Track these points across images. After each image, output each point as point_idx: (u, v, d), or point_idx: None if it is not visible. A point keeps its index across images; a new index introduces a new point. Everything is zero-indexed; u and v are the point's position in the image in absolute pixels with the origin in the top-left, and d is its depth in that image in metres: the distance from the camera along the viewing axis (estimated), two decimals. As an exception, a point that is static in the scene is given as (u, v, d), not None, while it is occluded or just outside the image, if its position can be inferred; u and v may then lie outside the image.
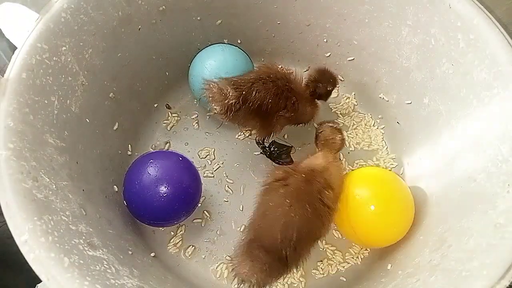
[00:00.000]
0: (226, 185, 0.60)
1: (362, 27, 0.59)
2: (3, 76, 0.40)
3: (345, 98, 0.67)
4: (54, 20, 0.45)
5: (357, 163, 0.62)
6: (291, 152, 0.62)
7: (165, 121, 0.64)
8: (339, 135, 0.54)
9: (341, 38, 0.63)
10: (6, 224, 0.35)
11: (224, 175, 0.60)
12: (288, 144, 0.62)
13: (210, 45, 0.62)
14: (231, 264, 0.44)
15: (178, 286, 0.51)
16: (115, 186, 0.53)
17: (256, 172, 0.61)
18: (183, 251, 0.55)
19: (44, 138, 0.42)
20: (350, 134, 0.64)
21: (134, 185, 0.49)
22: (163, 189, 0.48)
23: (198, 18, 0.61)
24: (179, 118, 0.65)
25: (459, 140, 0.49)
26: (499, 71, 0.43)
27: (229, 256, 0.55)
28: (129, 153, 0.60)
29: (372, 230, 0.49)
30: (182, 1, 0.58)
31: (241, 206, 0.58)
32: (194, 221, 0.57)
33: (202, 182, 0.55)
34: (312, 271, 0.54)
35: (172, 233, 0.56)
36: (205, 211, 0.58)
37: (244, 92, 0.49)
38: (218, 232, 0.57)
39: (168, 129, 0.64)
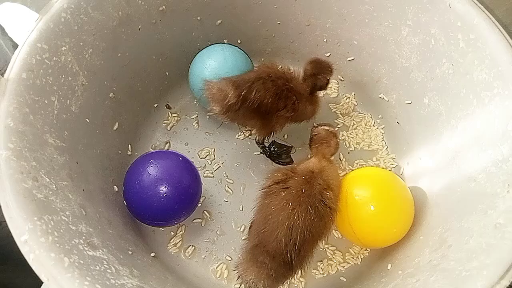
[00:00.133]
0: (226, 185, 0.60)
1: (362, 27, 0.59)
2: (3, 76, 0.40)
3: (345, 98, 0.67)
4: (54, 20, 0.45)
5: (357, 163, 0.62)
6: (291, 152, 0.62)
7: (165, 121, 0.64)
8: (334, 140, 0.54)
9: (341, 38, 0.63)
10: None
11: (224, 175, 0.60)
12: (288, 144, 0.62)
13: (210, 45, 0.62)
14: (236, 272, 0.44)
15: (178, 286, 0.51)
16: (115, 186, 0.53)
17: (256, 172, 0.61)
18: (183, 251, 0.55)
19: (44, 138, 0.42)
20: (350, 134, 0.64)
21: (134, 185, 0.49)
22: (163, 189, 0.48)
23: (198, 18, 0.61)
24: (179, 118, 0.65)
25: (459, 140, 0.49)
26: (499, 71, 0.43)
27: (229, 256, 0.55)
28: (129, 153, 0.60)
29: (371, 230, 0.49)
30: (182, 1, 0.58)
31: (241, 206, 0.58)
32: (194, 221, 0.57)
33: (202, 182, 0.55)
34: (312, 271, 0.54)
35: (172, 233, 0.56)
36: (205, 211, 0.58)
37: (243, 92, 0.49)
38: (218, 232, 0.57)
39: (168, 129, 0.64)
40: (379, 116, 0.65)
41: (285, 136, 0.63)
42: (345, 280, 0.54)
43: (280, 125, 0.55)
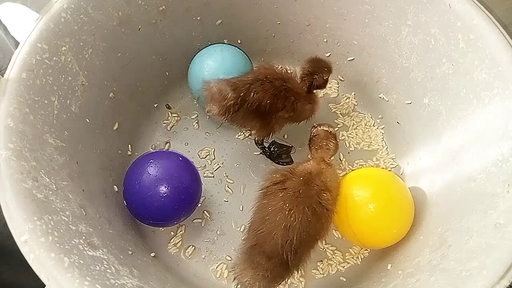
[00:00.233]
0: (226, 185, 0.60)
1: (362, 27, 0.59)
2: (3, 76, 0.40)
3: (345, 98, 0.67)
4: (54, 20, 0.45)
5: (357, 163, 0.62)
6: (291, 152, 0.62)
7: (165, 121, 0.64)
8: (333, 141, 0.54)
9: (341, 38, 0.63)
10: None
11: (224, 175, 0.60)
12: (288, 144, 0.62)
13: (209, 45, 0.62)
14: (233, 272, 0.44)
15: (178, 286, 0.51)
16: (115, 186, 0.53)
17: (256, 172, 0.61)
18: (183, 251, 0.55)
19: (44, 138, 0.42)
20: (350, 134, 0.64)
21: (134, 185, 0.49)
22: (163, 189, 0.48)
23: (198, 18, 0.61)
24: (179, 118, 0.65)
25: (459, 140, 0.49)
26: (499, 71, 0.43)
27: (229, 256, 0.55)
28: (129, 153, 0.60)
29: (371, 231, 0.49)
30: (182, 1, 0.58)
31: (241, 206, 0.58)
32: (194, 221, 0.57)
33: (202, 182, 0.55)
34: (312, 271, 0.54)
35: (172, 233, 0.56)
36: (205, 211, 0.58)
37: (242, 93, 0.49)
38: (218, 232, 0.57)
39: (168, 129, 0.64)
40: (379, 116, 0.65)
41: (285, 136, 0.63)
42: (345, 280, 0.54)
43: (279, 126, 0.55)
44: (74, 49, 0.47)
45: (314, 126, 0.56)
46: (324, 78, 0.56)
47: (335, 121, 0.65)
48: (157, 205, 0.49)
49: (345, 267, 0.55)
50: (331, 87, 0.68)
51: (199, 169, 0.58)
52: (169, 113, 0.65)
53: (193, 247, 0.56)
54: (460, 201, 0.45)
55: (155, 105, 0.64)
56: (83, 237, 0.39)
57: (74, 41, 0.47)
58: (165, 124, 0.64)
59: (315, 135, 0.55)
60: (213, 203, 0.59)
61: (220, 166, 0.61)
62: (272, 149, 0.61)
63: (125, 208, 0.52)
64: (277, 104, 0.51)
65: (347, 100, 0.67)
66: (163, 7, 0.56)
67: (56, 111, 0.44)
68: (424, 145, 0.56)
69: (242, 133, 0.64)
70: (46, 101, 0.43)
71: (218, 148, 0.62)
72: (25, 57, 0.42)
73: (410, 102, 0.58)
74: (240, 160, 0.62)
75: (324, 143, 0.53)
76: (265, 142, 0.60)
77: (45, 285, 0.33)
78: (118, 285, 0.38)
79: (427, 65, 0.53)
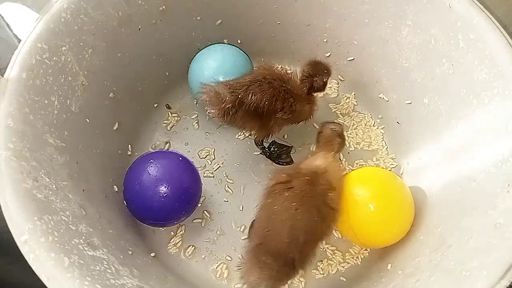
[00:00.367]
0: (226, 185, 0.60)
1: (362, 27, 0.59)
2: (3, 76, 0.40)
3: (345, 98, 0.67)
4: (54, 20, 0.45)
5: (357, 163, 0.62)
6: (291, 152, 0.62)
7: (165, 121, 0.64)
8: (339, 138, 0.54)
9: (341, 38, 0.63)
10: None
11: (224, 175, 0.60)
12: (288, 144, 0.62)
13: (209, 45, 0.62)
14: (239, 271, 0.44)
15: (178, 286, 0.51)
16: (115, 186, 0.53)
17: (256, 172, 0.61)
18: (183, 251, 0.55)
19: (44, 138, 0.42)
20: (350, 134, 0.64)
21: (134, 185, 0.49)
22: (163, 189, 0.48)
23: (198, 18, 0.61)
24: (179, 118, 0.65)
25: (459, 140, 0.49)
26: (499, 71, 0.43)
27: (229, 256, 0.55)
28: (129, 153, 0.60)
29: (371, 230, 0.49)
30: (182, 1, 0.58)
31: (241, 206, 0.58)
32: (194, 221, 0.57)
33: (202, 182, 0.55)
34: (312, 271, 0.54)
35: (172, 233, 0.56)
36: (205, 211, 0.58)
37: (240, 96, 0.49)
38: (218, 232, 0.57)
39: (168, 129, 0.64)
40: (379, 116, 0.65)
41: (285, 136, 0.63)
42: (345, 280, 0.54)
43: (278, 127, 0.55)
44: (74, 49, 0.47)
45: (322, 123, 0.56)
46: (324, 80, 0.56)
47: (335, 121, 0.65)
48: (157, 205, 0.49)
49: (345, 267, 0.55)
50: (331, 87, 0.68)
51: (199, 169, 0.58)
52: (169, 113, 0.65)
53: (193, 247, 0.56)
54: (460, 201, 0.45)
55: (155, 105, 0.64)
56: (83, 237, 0.39)
57: (74, 41, 0.47)
58: (165, 124, 0.64)
59: (322, 132, 0.55)
60: (213, 203, 0.59)
61: (220, 166, 0.61)
62: (272, 149, 0.61)
63: (125, 208, 0.52)
64: (275, 105, 0.51)
65: (347, 100, 0.67)
66: (163, 7, 0.56)
67: (56, 111, 0.44)
68: (424, 145, 0.56)
69: (242, 133, 0.63)
70: (46, 101, 0.43)
71: (218, 148, 0.62)
72: (25, 57, 0.42)
73: (410, 102, 0.58)
74: (240, 160, 0.62)
75: (330, 139, 0.53)
76: (265, 142, 0.60)
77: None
78: (118, 285, 0.38)
79: (427, 65, 0.53)
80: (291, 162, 0.61)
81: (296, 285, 0.53)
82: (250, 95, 0.49)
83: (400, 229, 0.50)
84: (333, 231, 0.56)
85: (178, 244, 0.56)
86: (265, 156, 0.62)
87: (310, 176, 0.46)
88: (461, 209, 0.44)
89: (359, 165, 0.62)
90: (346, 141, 0.58)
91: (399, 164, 0.61)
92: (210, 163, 0.61)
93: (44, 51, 0.43)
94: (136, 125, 0.61)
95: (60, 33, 0.45)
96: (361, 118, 0.66)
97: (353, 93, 0.67)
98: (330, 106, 0.67)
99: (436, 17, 0.49)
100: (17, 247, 0.34)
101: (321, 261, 0.55)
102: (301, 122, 0.58)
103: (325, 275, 0.54)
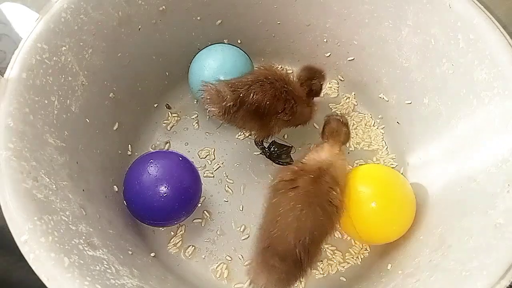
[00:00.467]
0: (226, 185, 0.60)
1: (362, 27, 0.59)
2: (3, 76, 0.40)
3: (345, 98, 0.67)
4: (54, 20, 0.45)
5: (357, 163, 0.62)
6: (291, 152, 0.62)
7: (165, 121, 0.64)
8: (344, 129, 0.54)
9: (341, 38, 0.63)
10: None
11: (224, 175, 0.60)
12: (288, 144, 0.62)
13: (209, 45, 0.62)
14: (248, 277, 0.44)
15: (178, 286, 0.51)
16: (115, 186, 0.53)
17: (256, 172, 0.61)
18: (183, 251, 0.55)
19: (44, 138, 0.42)
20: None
21: (134, 185, 0.49)
22: (163, 189, 0.48)
23: (198, 18, 0.61)
24: (179, 118, 0.65)
25: (459, 140, 0.49)
26: (499, 71, 0.43)
27: (229, 256, 0.55)
28: (129, 153, 0.60)
29: (373, 227, 0.49)
30: (182, 1, 0.58)
31: (241, 206, 0.58)
32: (194, 221, 0.57)
33: (202, 182, 0.55)
34: (312, 271, 0.54)
35: (172, 233, 0.56)
36: (205, 211, 0.58)
37: (241, 95, 0.49)
38: (218, 232, 0.57)
39: (168, 129, 0.64)
40: (379, 116, 0.65)
41: (285, 136, 0.63)
42: (345, 280, 0.54)
43: (278, 128, 0.55)
44: (74, 49, 0.47)
45: (327, 115, 0.57)
46: (320, 83, 0.56)
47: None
48: (157, 205, 0.49)
49: (345, 267, 0.55)
50: (331, 87, 0.68)
51: (199, 169, 0.58)
52: (169, 113, 0.65)
53: (193, 247, 0.56)
54: (460, 201, 0.45)
55: (155, 105, 0.64)
56: (83, 237, 0.39)
57: (74, 41, 0.47)
58: (165, 124, 0.64)
59: (328, 123, 0.55)
60: (213, 203, 0.59)
61: (220, 166, 0.61)
62: (272, 149, 0.61)
63: (125, 208, 0.52)
64: (276, 106, 0.51)
65: (347, 100, 0.67)
66: (163, 7, 0.56)
67: (56, 111, 0.44)
68: (424, 145, 0.56)
69: (242, 133, 0.63)
70: (46, 101, 0.43)
71: (218, 148, 0.62)
72: (25, 57, 0.42)
73: (410, 102, 0.58)
74: (240, 160, 0.62)
75: (336, 130, 0.53)
76: (265, 142, 0.60)
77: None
78: (118, 285, 0.38)
79: (427, 65, 0.53)
80: (291, 162, 0.61)
81: (296, 285, 0.53)
82: (251, 94, 0.49)
83: (400, 227, 0.50)
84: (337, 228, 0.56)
85: (178, 244, 0.56)
86: (265, 156, 0.62)
87: (314, 173, 0.46)
88: (461, 209, 0.44)
89: (359, 165, 0.62)
90: (351, 134, 0.58)
91: (399, 164, 0.61)
92: (210, 163, 0.61)
93: (44, 51, 0.43)
94: (136, 125, 0.61)
95: (60, 33, 0.45)
96: (361, 118, 0.66)
97: (353, 93, 0.67)
98: (330, 106, 0.67)
99: (436, 17, 0.49)
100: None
101: (321, 261, 0.55)
102: (299, 125, 0.58)
103: (325, 275, 0.54)
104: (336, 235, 0.57)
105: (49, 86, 0.43)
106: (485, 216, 0.40)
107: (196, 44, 0.64)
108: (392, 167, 0.61)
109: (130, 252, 0.47)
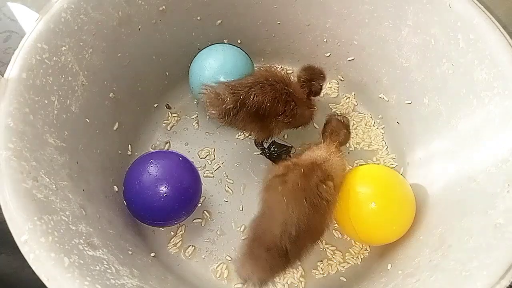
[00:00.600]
0: (226, 185, 0.60)
1: (362, 27, 0.59)
2: (3, 76, 0.40)
3: (345, 98, 0.67)
4: (54, 20, 0.45)
5: (357, 163, 0.62)
6: (291, 152, 0.62)
7: (165, 121, 0.64)
8: (344, 130, 0.54)
9: (341, 38, 0.63)
10: None
11: (224, 175, 0.60)
12: (288, 144, 0.62)
13: (210, 45, 0.62)
14: (234, 266, 0.44)
15: (178, 286, 0.51)
16: (115, 186, 0.53)
17: (256, 172, 0.61)
18: (183, 251, 0.55)
19: (44, 138, 0.42)
20: (350, 134, 0.64)
21: (134, 185, 0.49)
22: (163, 189, 0.48)
23: (198, 18, 0.61)
24: (179, 118, 0.65)
25: (459, 140, 0.49)
26: (499, 71, 0.43)
27: (229, 256, 0.55)
28: (129, 153, 0.60)
29: (372, 227, 0.49)
30: (182, 1, 0.58)
31: (241, 206, 0.58)
32: (194, 221, 0.57)
33: (202, 182, 0.55)
34: (312, 271, 0.54)
35: (172, 233, 0.56)
36: (205, 211, 0.58)
37: (242, 97, 0.49)
38: (218, 232, 0.57)
39: (168, 129, 0.64)
40: (379, 116, 0.65)
41: (285, 137, 0.63)
42: (345, 280, 0.54)
43: (279, 129, 0.55)
44: (74, 49, 0.47)
45: (329, 114, 0.57)
46: (320, 85, 0.56)
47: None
48: (157, 205, 0.49)
49: (345, 267, 0.55)
50: (331, 87, 0.68)
51: (199, 169, 0.58)
52: (169, 113, 0.65)
53: (193, 247, 0.56)
54: (460, 201, 0.45)
55: (155, 105, 0.64)
56: (83, 237, 0.39)
57: (74, 41, 0.47)
58: (165, 124, 0.64)
59: (329, 123, 0.55)
60: (213, 203, 0.59)
61: (220, 166, 0.61)
62: (272, 149, 0.61)
63: (125, 208, 0.52)
64: (277, 108, 0.51)
65: (347, 100, 0.67)
66: (163, 7, 0.56)
67: (56, 111, 0.44)
68: (424, 145, 0.56)
69: (242, 133, 0.64)
70: (46, 101, 0.43)
71: (218, 148, 0.62)
72: (25, 57, 0.42)
73: (410, 102, 0.58)
74: (240, 160, 0.62)
75: (335, 131, 0.53)
76: (265, 142, 0.61)
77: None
78: (118, 285, 0.38)
79: (427, 65, 0.53)
80: (291, 162, 0.61)
81: (296, 285, 0.54)
82: (252, 96, 0.49)
83: (401, 227, 0.50)
84: (331, 231, 0.56)
85: (178, 244, 0.56)
86: (265, 156, 0.62)
87: (305, 167, 0.46)
88: (461, 209, 0.44)
89: (359, 165, 0.62)
90: (351, 135, 0.58)
91: (399, 164, 0.61)
92: (210, 163, 0.61)
93: (44, 51, 0.43)
94: (136, 125, 0.61)
95: (60, 33, 0.45)
96: (361, 118, 0.66)
97: (353, 93, 0.67)
98: (330, 106, 0.67)
99: (436, 17, 0.49)
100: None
101: (321, 261, 0.55)
102: (300, 127, 0.58)
103: (325, 275, 0.54)
104: (336, 235, 0.57)
105: (49, 86, 0.43)
106: (485, 216, 0.40)
107: (196, 44, 0.64)
108: (392, 167, 0.61)
109: (130, 252, 0.47)
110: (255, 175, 0.60)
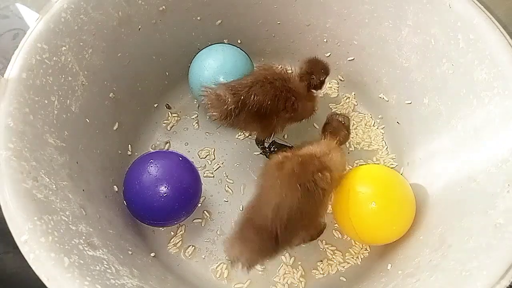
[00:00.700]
0: (226, 185, 0.60)
1: (362, 27, 0.59)
2: (3, 76, 0.40)
3: (345, 98, 0.67)
4: (54, 20, 0.45)
5: (357, 163, 0.62)
6: (291, 152, 0.62)
7: (165, 121, 0.64)
8: (344, 131, 0.54)
9: (341, 38, 0.63)
10: None
11: (224, 175, 0.60)
12: (288, 144, 0.62)
13: (210, 45, 0.62)
14: (224, 248, 0.45)
15: (178, 286, 0.51)
16: (115, 186, 0.53)
17: (256, 172, 0.61)
18: (183, 251, 0.55)
19: (44, 138, 0.42)
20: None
21: (134, 185, 0.49)
22: (163, 189, 0.48)
23: (198, 18, 0.61)
24: (179, 118, 0.65)
25: (459, 140, 0.49)
26: (499, 71, 0.43)
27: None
28: (129, 153, 0.60)
29: (372, 227, 0.49)
30: (182, 1, 0.58)
31: (241, 206, 0.58)
32: (194, 221, 0.57)
33: (202, 182, 0.55)
34: (312, 271, 0.54)
35: (172, 233, 0.56)
36: (205, 211, 0.58)
37: (242, 97, 0.49)
38: (218, 232, 0.57)
39: (168, 129, 0.64)
40: (379, 116, 0.65)
41: (285, 136, 0.63)
42: (345, 280, 0.54)
43: (281, 126, 0.55)
44: (74, 49, 0.47)
45: (330, 113, 0.57)
46: (321, 79, 0.56)
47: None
48: (157, 205, 0.49)
49: (345, 267, 0.55)
50: (331, 87, 0.68)
51: (199, 169, 0.58)
52: (169, 113, 0.65)
53: (193, 247, 0.56)
54: (460, 201, 0.45)
55: (155, 105, 0.64)
56: (83, 237, 0.39)
57: (74, 41, 0.47)
58: (165, 124, 0.64)
59: (329, 122, 0.55)
60: (213, 203, 0.59)
61: (220, 166, 0.61)
62: (272, 149, 0.61)
63: (125, 208, 0.52)
64: (278, 105, 0.51)
65: (347, 100, 0.67)
66: (163, 7, 0.56)
67: (56, 111, 0.44)
68: (424, 145, 0.56)
69: (242, 133, 0.64)
70: (46, 101, 0.43)
71: (218, 148, 0.62)
72: (25, 57, 0.42)
73: (410, 102, 0.58)
74: (240, 160, 0.62)
75: (335, 131, 0.54)
76: (266, 142, 0.61)
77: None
78: (118, 285, 0.38)
79: (427, 65, 0.53)
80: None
81: (296, 285, 0.54)
82: (252, 96, 0.49)
83: (401, 227, 0.50)
84: (331, 231, 0.56)
85: (178, 244, 0.56)
86: (265, 156, 0.62)
87: (303, 156, 0.46)
88: (461, 209, 0.44)
89: (359, 165, 0.62)
90: (350, 136, 0.58)
91: (399, 164, 0.61)
92: (210, 163, 0.61)
93: (44, 51, 0.43)
94: (136, 125, 0.61)
95: (60, 33, 0.45)
96: (361, 118, 0.66)
97: (353, 93, 0.67)
98: (330, 106, 0.67)
99: (436, 17, 0.49)
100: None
101: (321, 261, 0.55)
102: (303, 120, 0.58)
103: (325, 275, 0.54)
104: (336, 235, 0.57)
105: (49, 86, 0.43)
106: (485, 216, 0.40)
107: (196, 44, 0.64)
108: (392, 167, 0.61)
109: (130, 252, 0.47)
110: (255, 175, 0.60)
